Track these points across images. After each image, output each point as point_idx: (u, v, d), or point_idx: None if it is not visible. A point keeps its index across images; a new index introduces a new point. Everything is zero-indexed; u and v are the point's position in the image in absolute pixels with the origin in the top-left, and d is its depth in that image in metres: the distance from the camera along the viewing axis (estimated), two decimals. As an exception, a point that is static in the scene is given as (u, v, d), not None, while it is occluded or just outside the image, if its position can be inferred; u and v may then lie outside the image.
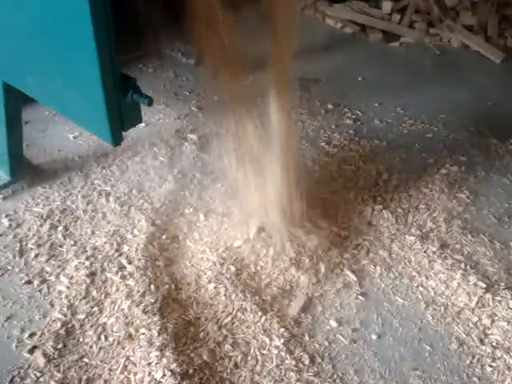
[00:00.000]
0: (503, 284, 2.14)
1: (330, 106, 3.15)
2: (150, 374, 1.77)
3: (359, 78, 3.47)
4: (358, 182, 2.61)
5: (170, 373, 1.76)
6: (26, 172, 2.55)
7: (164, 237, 2.30)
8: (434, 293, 2.13)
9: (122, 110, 1.47)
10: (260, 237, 2.19)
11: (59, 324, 1.95)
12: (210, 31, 1.79)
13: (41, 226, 2.32)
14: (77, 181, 2.56)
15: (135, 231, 2.31)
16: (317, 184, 2.55)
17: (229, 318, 1.99)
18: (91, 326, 1.95)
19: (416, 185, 2.61)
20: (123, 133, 1.59)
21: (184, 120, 3.01)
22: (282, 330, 1.96)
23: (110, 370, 1.83)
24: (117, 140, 1.55)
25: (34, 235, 2.28)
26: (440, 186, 2.61)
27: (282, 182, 2.13)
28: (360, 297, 2.12)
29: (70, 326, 1.95)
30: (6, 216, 2.36)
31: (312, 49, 3.61)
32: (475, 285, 2.12)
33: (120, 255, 2.20)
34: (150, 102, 1.48)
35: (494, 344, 1.97)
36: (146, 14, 2.30)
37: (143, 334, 1.88)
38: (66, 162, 2.69)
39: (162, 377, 1.75)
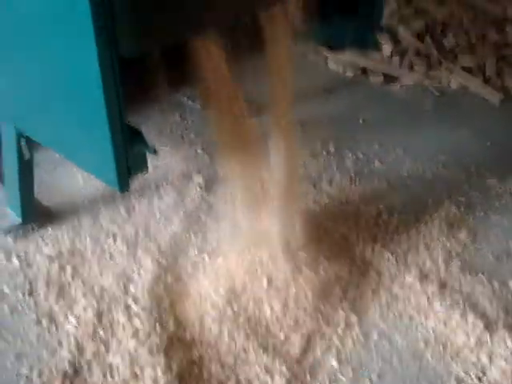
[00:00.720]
0: (501, 323, 2.18)
1: (331, 148, 3.21)
2: (154, 412, 1.82)
3: (360, 120, 3.53)
4: (358, 222, 2.66)
5: (174, 412, 1.81)
6: (37, 213, 2.62)
7: (169, 278, 2.35)
8: (433, 332, 2.17)
9: (129, 161, 1.56)
10: (262, 277, 2.23)
11: (67, 363, 2.00)
12: (213, 80, 1.87)
13: (50, 266, 2.38)
14: (85, 222, 2.63)
15: (141, 272, 2.37)
16: (318, 224, 2.61)
17: (232, 358, 2.03)
18: (98, 365, 2.00)
19: (416, 225, 2.66)
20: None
21: (190, 162, 3.08)
22: (284, 369, 2.00)
23: (116, 408, 1.88)
24: (124, 187, 1.62)
25: (43, 276, 2.34)
26: (439, 226, 2.65)
27: (284, 223, 2.20)
28: (360, 336, 2.16)
29: (77, 364, 2.00)
30: (18, 257, 2.43)
31: (314, 92, 3.69)
32: (474, 324, 2.16)
33: (126, 295, 2.26)
34: (156, 153, 1.58)
35: (492, 382, 2.00)
36: (152, 61, 2.39)
37: (148, 373, 1.93)
38: (75, 203, 2.76)
39: (166, 416, 1.80)
